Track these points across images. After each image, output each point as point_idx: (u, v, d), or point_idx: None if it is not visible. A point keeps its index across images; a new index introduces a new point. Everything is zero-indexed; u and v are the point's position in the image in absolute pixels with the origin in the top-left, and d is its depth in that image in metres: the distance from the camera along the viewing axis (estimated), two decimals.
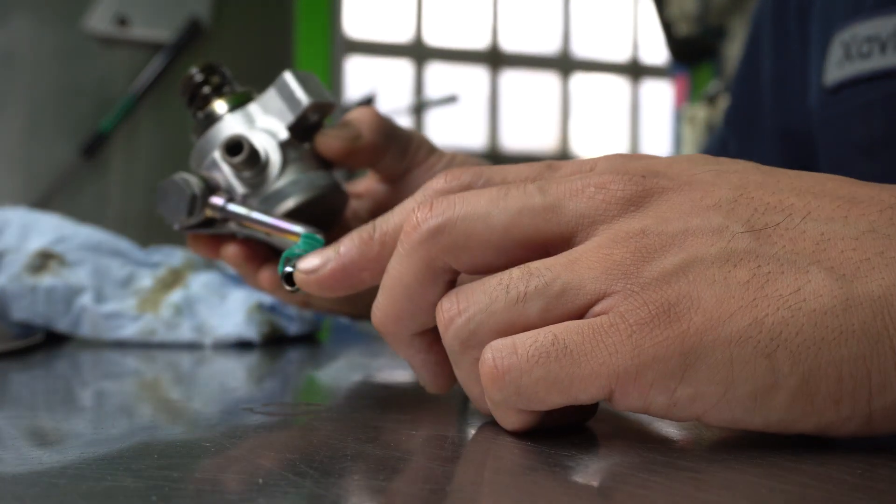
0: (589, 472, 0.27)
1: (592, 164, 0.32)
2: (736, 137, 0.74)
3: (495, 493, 0.24)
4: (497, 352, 0.28)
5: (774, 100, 0.71)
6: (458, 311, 0.29)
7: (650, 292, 0.27)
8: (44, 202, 1.65)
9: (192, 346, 0.57)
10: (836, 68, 0.60)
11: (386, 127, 0.49)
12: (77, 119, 1.71)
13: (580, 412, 0.31)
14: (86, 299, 0.58)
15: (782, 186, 0.29)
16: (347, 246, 0.34)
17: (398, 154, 0.49)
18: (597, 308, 0.28)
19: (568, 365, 0.27)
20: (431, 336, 0.33)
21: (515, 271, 0.29)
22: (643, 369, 0.27)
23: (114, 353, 0.54)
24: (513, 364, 0.28)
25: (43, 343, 0.57)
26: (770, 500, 0.23)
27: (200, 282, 0.63)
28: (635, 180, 0.29)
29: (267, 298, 0.60)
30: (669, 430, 0.32)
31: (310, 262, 0.35)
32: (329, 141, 0.46)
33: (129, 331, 0.58)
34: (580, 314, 0.28)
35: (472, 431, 0.32)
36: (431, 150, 0.51)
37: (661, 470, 0.26)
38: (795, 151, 0.68)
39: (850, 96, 0.59)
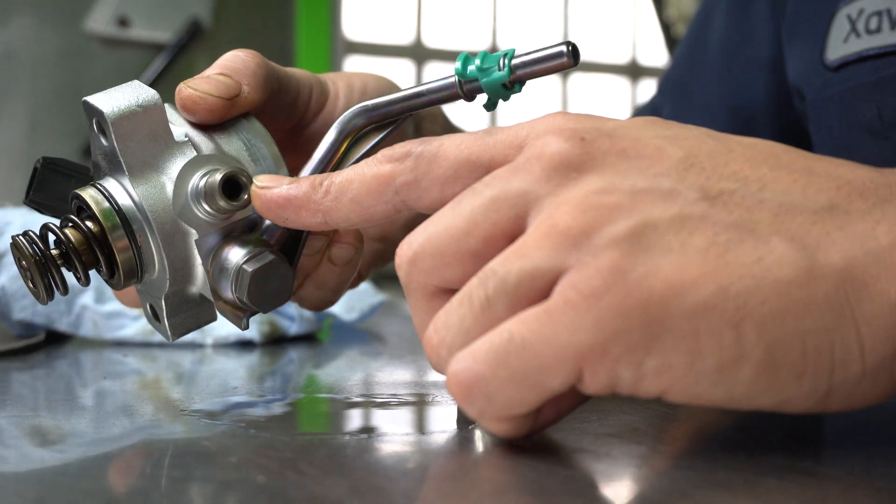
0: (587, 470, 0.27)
1: (531, 127, 0.31)
2: (671, 104, 0.72)
3: (496, 493, 0.25)
4: (457, 366, 0.27)
5: (721, 73, 0.68)
6: (438, 341, 0.29)
7: (602, 260, 0.26)
8: None
9: (193, 346, 0.57)
10: (841, 44, 0.56)
11: (271, 77, 0.40)
12: (78, 119, 1.71)
13: (572, 400, 0.30)
14: (87, 299, 0.58)
15: (736, 156, 0.28)
16: (299, 183, 0.34)
17: (287, 108, 0.41)
18: (558, 286, 0.26)
19: (530, 357, 0.26)
20: None
21: (474, 279, 0.28)
22: (608, 344, 0.25)
23: (115, 353, 0.54)
24: (475, 373, 0.27)
25: (44, 343, 0.57)
26: (769, 499, 0.23)
27: None
28: (573, 143, 0.28)
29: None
30: (668, 430, 0.32)
31: (266, 180, 0.34)
32: (195, 97, 0.36)
33: (130, 330, 0.58)
34: (548, 295, 0.27)
35: (473, 432, 0.32)
36: (324, 92, 0.43)
37: (658, 468, 0.26)
38: (740, 128, 0.65)
39: (856, 74, 0.55)
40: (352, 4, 3.08)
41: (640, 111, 0.74)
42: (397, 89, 0.45)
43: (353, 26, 3.45)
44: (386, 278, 0.71)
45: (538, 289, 0.27)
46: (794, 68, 0.62)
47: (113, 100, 0.34)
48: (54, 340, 0.58)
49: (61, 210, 0.37)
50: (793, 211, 0.27)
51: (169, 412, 0.37)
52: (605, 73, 4.14)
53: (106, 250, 0.34)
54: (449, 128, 0.52)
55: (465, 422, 0.34)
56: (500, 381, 0.26)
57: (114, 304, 0.59)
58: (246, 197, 0.34)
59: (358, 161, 0.37)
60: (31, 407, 0.39)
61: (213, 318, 0.38)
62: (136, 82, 0.35)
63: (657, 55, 3.77)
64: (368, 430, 0.33)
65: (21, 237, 0.35)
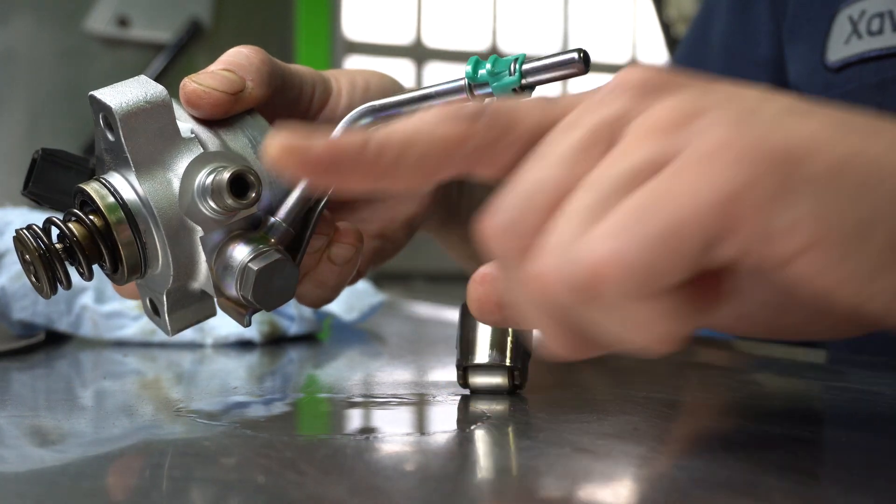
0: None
1: (605, 85, 0.29)
2: None
3: (496, 493, 0.25)
4: (585, 253, 0.24)
5: (722, 74, 0.66)
6: (547, 263, 0.25)
7: (723, 123, 0.24)
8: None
9: (193, 346, 0.57)
10: (843, 46, 0.56)
11: (275, 73, 0.39)
12: (78, 119, 1.71)
13: (711, 297, 0.26)
14: (86, 299, 0.58)
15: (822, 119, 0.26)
16: (344, 141, 0.29)
17: (290, 105, 0.41)
18: (677, 159, 0.24)
19: (665, 215, 0.23)
20: None
21: (577, 192, 0.25)
22: (741, 193, 0.23)
23: (115, 353, 0.54)
24: (610, 248, 0.24)
25: (44, 343, 0.57)
26: (769, 499, 0.23)
27: None
28: (655, 71, 0.27)
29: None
30: (668, 430, 0.32)
31: (294, 138, 0.28)
32: (200, 91, 0.36)
33: (130, 330, 0.58)
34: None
35: (475, 432, 0.32)
36: (326, 89, 0.43)
37: (658, 468, 0.26)
38: None
39: (858, 75, 0.55)
40: (352, 4, 3.08)
41: None
42: (399, 87, 0.45)
43: (353, 26, 3.45)
44: (386, 278, 0.70)
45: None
46: (795, 69, 0.62)
47: (120, 94, 0.34)
48: (54, 340, 0.58)
49: (59, 202, 0.37)
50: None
51: (169, 412, 0.37)
52: (606, 74, 4.13)
53: (110, 245, 0.34)
54: None
55: (465, 422, 0.34)
56: (637, 249, 0.24)
57: (114, 304, 0.59)
58: (253, 195, 0.34)
59: None
60: (31, 407, 0.39)
61: (213, 313, 0.38)
62: (142, 77, 0.35)
63: (657, 55, 3.77)
64: (368, 431, 0.33)
65: (25, 231, 0.34)
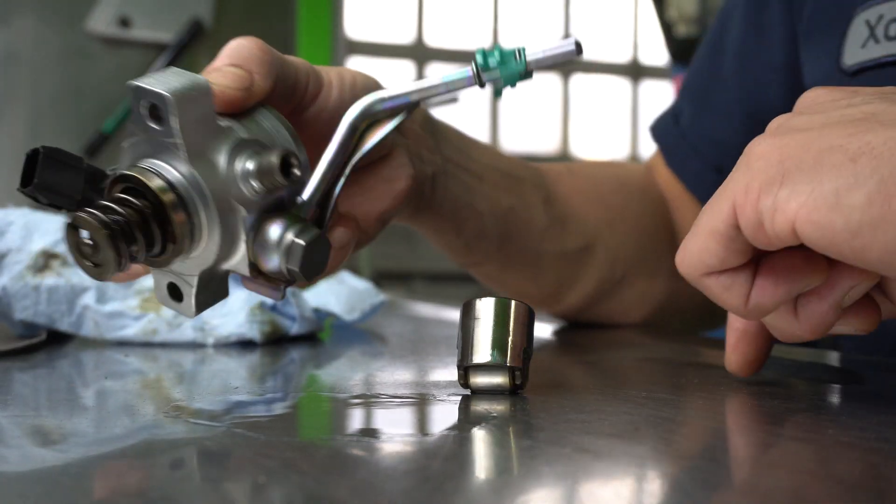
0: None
1: None
2: (690, 105, 0.72)
3: (495, 493, 0.25)
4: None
5: (738, 77, 0.68)
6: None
7: (771, 136, 0.33)
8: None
9: (194, 346, 0.57)
10: (859, 50, 0.56)
11: (276, 64, 0.41)
12: (79, 120, 1.71)
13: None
14: (88, 299, 0.58)
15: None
16: None
17: (286, 94, 0.42)
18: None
19: (708, 209, 0.34)
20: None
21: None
22: (751, 182, 0.32)
23: (116, 353, 0.55)
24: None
25: (45, 343, 0.57)
26: (769, 499, 0.23)
27: None
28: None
29: (268, 298, 0.60)
30: (668, 430, 0.32)
31: None
32: (215, 90, 0.37)
33: (131, 330, 0.58)
34: None
35: (476, 432, 0.32)
36: (318, 80, 0.44)
37: (658, 468, 0.26)
38: (755, 132, 0.65)
39: (876, 80, 0.55)
40: (353, 4, 3.07)
41: (662, 117, 0.75)
42: (381, 87, 0.47)
43: (354, 26, 3.45)
44: (386, 278, 0.70)
45: None
46: (811, 73, 0.62)
47: (169, 83, 0.35)
48: (55, 340, 0.59)
49: (59, 199, 0.38)
50: None
51: (170, 412, 0.37)
52: (606, 74, 4.13)
53: (161, 226, 0.36)
54: (428, 120, 0.53)
55: (466, 422, 0.34)
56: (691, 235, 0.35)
57: (115, 305, 0.59)
58: (299, 174, 0.35)
59: (373, 147, 0.41)
60: (33, 407, 0.39)
61: (226, 295, 0.40)
62: (175, 68, 0.37)
63: (658, 55, 3.77)
64: (369, 431, 0.33)
65: (85, 212, 0.35)
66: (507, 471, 0.27)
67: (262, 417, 0.35)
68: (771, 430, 0.33)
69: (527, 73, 0.39)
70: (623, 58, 4.07)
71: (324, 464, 0.26)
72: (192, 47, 1.80)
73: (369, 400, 0.39)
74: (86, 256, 0.35)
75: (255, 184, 0.36)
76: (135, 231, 0.35)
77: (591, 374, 0.49)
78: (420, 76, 3.65)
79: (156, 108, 0.35)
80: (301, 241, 0.36)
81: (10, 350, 0.52)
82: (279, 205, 0.38)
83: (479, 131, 3.96)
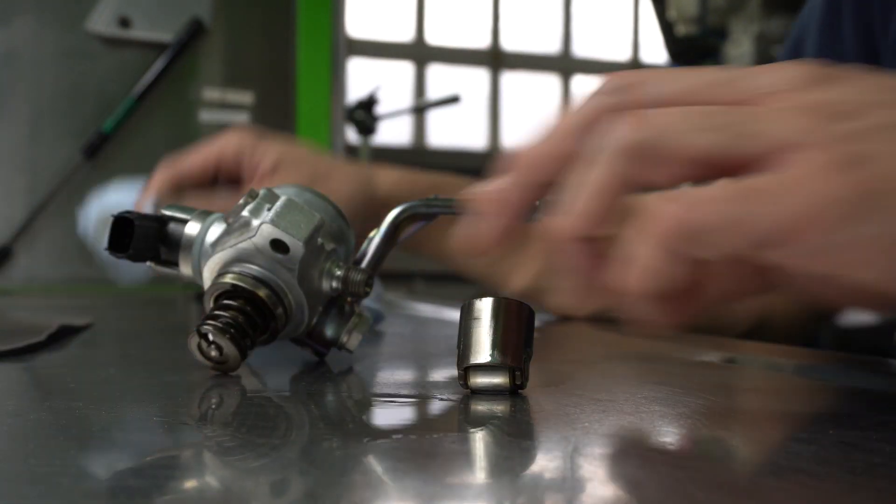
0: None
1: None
2: None
3: (495, 493, 0.25)
4: (688, 199, 0.29)
5: None
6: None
7: (837, 146, 0.28)
8: (46, 202, 1.65)
9: None
10: None
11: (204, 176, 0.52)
12: (79, 120, 1.71)
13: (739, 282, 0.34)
14: None
15: None
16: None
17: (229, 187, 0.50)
18: (780, 158, 0.29)
19: (757, 206, 0.28)
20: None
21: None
22: (826, 209, 0.28)
23: (119, 350, 0.54)
24: (705, 212, 0.28)
25: (45, 343, 0.57)
26: (770, 499, 0.23)
27: None
28: (816, 67, 0.31)
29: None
30: (668, 430, 0.32)
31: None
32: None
33: None
34: (761, 160, 0.29)
35: (476, 432, 0.32)
36: (254, 154, 0.53)
37: (658, 468, 0.26)
38: None
39: None
40: (353, 4, 3.07)
41: None
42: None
43: (354, 25, 3.45)
44: (386, 278, 0.70)
45: (759, 150, 0.29)
46: None
47: (298, 227, 0.43)
48: (56, 340, 0.59)
49: (144, 257, 0.46)
50: None
51: (170, 412, 0.37)
52: (607, 74, 4.12)
53: (264, 319, 0.44)
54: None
55: (466, 422, 0.34)
56: (718, 221, 0.29)
57: None
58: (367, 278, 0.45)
59: (391, 245, 0.48)
60: (34, 407, 0.39)
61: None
62: (298, 186, 0.47)
63: (658, 55, 3.76)
64: (369, 430, 0.33)
65: (206, 324, 0.42)
66: (507, 471, 0.27)
67: (261, 417, 0.35)
68: (771, 431, 0.33)
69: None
70: (623, 57, 4.07)
71: (323, 464, 0.26)
72: (192, 47, 1.80)
73: (369, 400, 0.39)
74: (207, 357, 0.42)
75: (336, 285, 0.45)
76: (246, 328, 0.42)
77: (591, 373, 0.49)
78: (420, 76, 3.66)
79: (282, 244, 0.42)
80: (359, 336, 0.47)
81: (10, 350, 0.52)
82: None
83: (479, 130, 3.96)
